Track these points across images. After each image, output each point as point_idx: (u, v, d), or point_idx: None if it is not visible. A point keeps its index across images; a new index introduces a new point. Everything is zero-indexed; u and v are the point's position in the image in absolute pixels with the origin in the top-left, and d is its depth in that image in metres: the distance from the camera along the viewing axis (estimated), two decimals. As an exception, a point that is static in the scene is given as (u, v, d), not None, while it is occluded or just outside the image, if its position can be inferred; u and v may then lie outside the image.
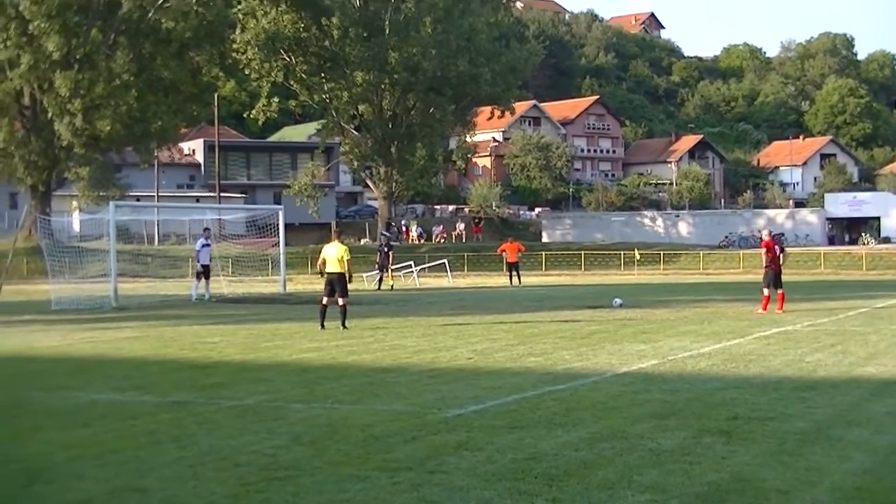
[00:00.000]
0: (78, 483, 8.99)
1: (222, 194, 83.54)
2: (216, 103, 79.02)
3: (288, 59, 74.77)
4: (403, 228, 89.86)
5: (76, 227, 65.20)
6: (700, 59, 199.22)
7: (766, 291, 27.55)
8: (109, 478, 9.15)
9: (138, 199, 74.88)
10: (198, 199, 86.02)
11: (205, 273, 37.17)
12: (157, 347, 20.69)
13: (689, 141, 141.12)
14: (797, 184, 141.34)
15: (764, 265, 28.12)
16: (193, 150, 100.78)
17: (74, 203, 72.47)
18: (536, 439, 10.53)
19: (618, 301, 30.77)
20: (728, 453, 9.77)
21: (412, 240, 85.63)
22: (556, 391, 13.84)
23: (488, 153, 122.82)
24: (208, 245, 37.59)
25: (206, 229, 39.64)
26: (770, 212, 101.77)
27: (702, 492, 8.37)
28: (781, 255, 28.52)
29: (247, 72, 73.56)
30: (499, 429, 11.15)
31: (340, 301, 23.63)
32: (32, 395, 14.49)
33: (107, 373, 16.87)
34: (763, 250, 28.33)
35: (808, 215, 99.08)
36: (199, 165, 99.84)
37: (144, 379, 15.97)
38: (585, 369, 16.10)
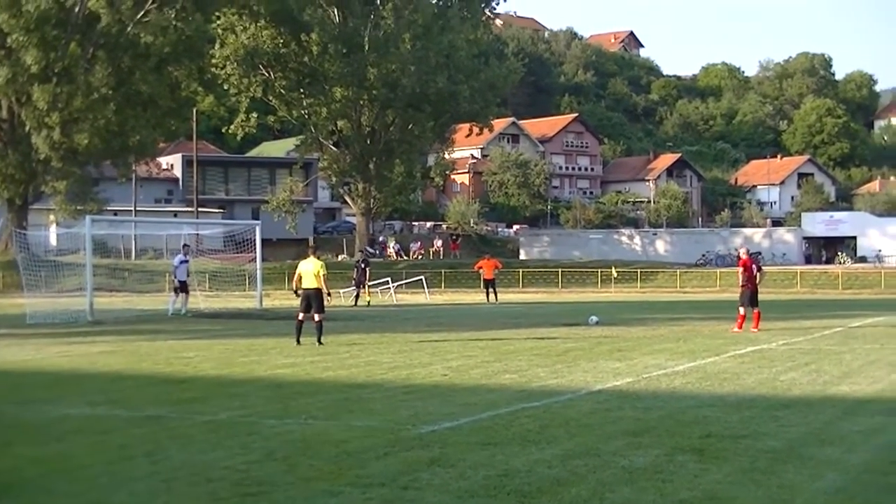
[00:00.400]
0: (47, 499, 8.94)
1: (200, 209, 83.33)
2: (195, 118, 78.87)
3: (267, 75, 74.84)
4: (382, 244, 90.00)
5: (53, 240, 64.93)
6: (679, 77, 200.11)
7: (741, 310, 27.57)
8: (80, 493, 9.11)
9: (116, 214, 74.69)
10: (175, 214, 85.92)
11: (182, 288, 37.13)
12: (132, 362, 20.60)
13: (667, 159, 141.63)
14: (774, 203, 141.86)
15: (741, 284, 28.15)
16: (172, 165, 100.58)
17: (51, 217, 72.14)
18: (509, 456, 10.52)
19: (594, 319, 30.79)
20: (700, 471, 9.77)
21: (389, 256, 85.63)
22: (530, 408, 13.83)
23: (467, 170, 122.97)
24: (186, 262, 37.55)
25: (185, 245, 39.58)
26: (747, 230, 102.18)
27: (674, 509, 8.38)
28: (758, 274, 28.59)
29: (226, 87, 73.61)
30: (472, 445, 11.14)
31: (317, 317, 23.60)
32: (4, 409, 14.40)
33: (80, 387, 16.79)
34: (740, 269, 28.37)
35: (785, 234, 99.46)
36: (177, 180, 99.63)
37: (118, 393, 15.90)
38: (560, 387, 16.10)
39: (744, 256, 28.90)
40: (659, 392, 15.45)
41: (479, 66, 79.34)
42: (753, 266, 28.51)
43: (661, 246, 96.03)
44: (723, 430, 12.04)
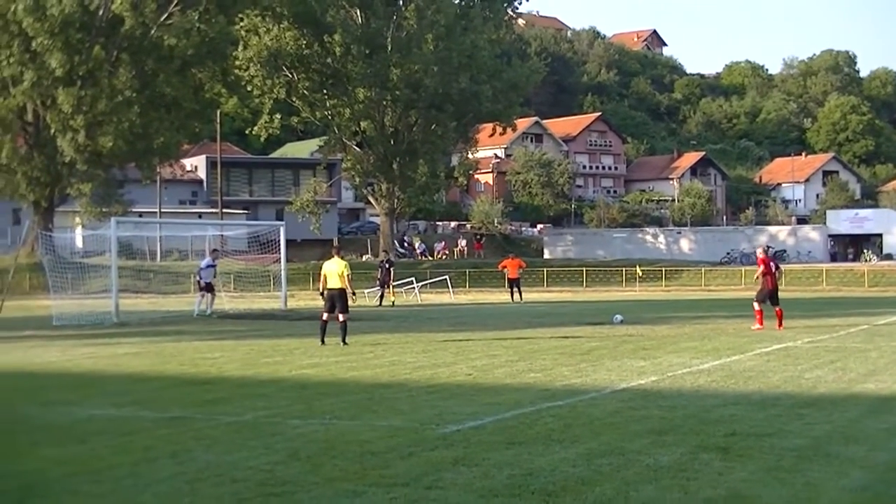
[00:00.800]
0: (72, 499, 8.96)
1: (224, 210, 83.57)
2: (218, 120, 79.15)
3: (290, 76, 74.97)
4: (410, 245, 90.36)
5: (79, 243, 65.28)
6: (702, 76, 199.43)
7: (756, 306, 27.60)
8: (105, 494, 9.13)
9: (141, 216, 74.93)
10: (200, 216, 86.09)
11: (208, 289, 37.23)
12: (157, 363, 20.66)
13: (690, 158, 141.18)
14: (799, 201, 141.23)
15: (760, 282, 28.10)
16: (196, 167, 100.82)
17: (77, 219, 72.46)
18: (534, 455, 10.49)
19: (618, 318, 30.74)
20: (725, 470, 9.73)
21: (421, 255, 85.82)
22: (554, 407, 13.80)
23: (490, 170, 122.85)
24: (214, 266, 37.62)
25: (215, 250, 39.56)
26: (772, 228, 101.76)
27: (698, 508, 8.34)
28: (777, 272, 28.51)
29: (249, 88, 73.67)
30: (496, 445, 11.12)
31: (341, 317, 23.63)
32: (30, 410, 14.46)
33: (105, 388, 16.85)
34: (760, 268, 28.30)
35: (811, 232, 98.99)
36: (201, 182, 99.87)
37: (143, 394, 15.94)
38: (584, 385, 16.07)
39: (761, 255, 28.95)
40: (683, 390, 15.40)
41: (502, 65, 79.25)
42: (772, 264, 28.53)
43: (685, 244, 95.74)
44: (747, 428, 11.98)
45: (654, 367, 18.49)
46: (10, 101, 62.04)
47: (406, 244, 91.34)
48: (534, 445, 11.05)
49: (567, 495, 8.80)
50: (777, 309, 27.61)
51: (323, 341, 23.54)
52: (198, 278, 37.85)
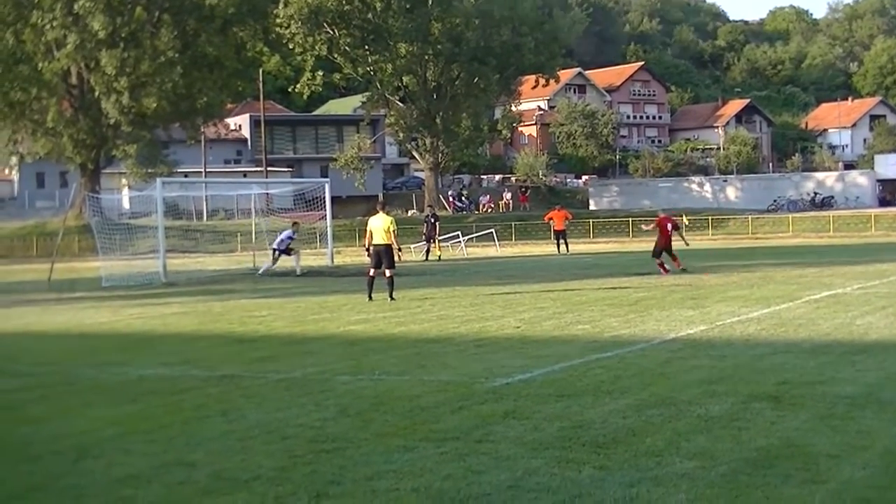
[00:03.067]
0: (125, 458, 9.01)
1: (269, 169, 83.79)
2: (261, 78, 79.21)
3: (331, 33, 74.84)
4: (467, 197, 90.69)
5: (125, 204, 65.74)
6: (746, 22, 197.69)
7: (656, 260, 30.30)
8: (157, 453, 9.17)
9: (186, 176, 75.20)
10: (245, 174, 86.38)
11: (287, 253, 36.56)
12: (205, 322, 20.77)
13: (735, 105, 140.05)
14: (846, 146, 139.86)
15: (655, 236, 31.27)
16: (240, 126, 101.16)
17: (123, 180, 73.04)
18: (583, 407, 10.45)
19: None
20: (777, 418, 9.65)
21: (485, 207, 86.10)
22: (603, 359, 13.74)
23: (534, 122, 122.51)
24: (292, 238, 36.94)
25: (296, 223, 39.14)
26: (819, 175, 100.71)
27: (751, 457, 8.27)
28: (674, 231, 31.03)
29: (290, 46, 73.64)
30: (546, 397, 11.09)
31: (388, 272, 23.64)
32: (82, 371, 14.55)
33: (155, 348, 16.96)
34: (653, 227, 31.63)
35: (858, 177, 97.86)
36: (245, 141, 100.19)
37: (192, 354, 16.03)
38: (633, 336, 16.00)
39: (661, 215, 31.88)
40: (733, 340, 15.30)
41: (543, 17, 78.85)
42: (669, 224, 30.89)
43: (731, 193, 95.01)
44: (798, 376, 11.88)
45: (703, 316, 18.39)
46: (55, 65, 62.41)
47: (464, 197, 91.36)
48: (583, 397, 11.00)
49: (618, 446, 8.75)
50: (673, 256, 30.39)
51: (370, 297, 23.56)
52: (274, 246, 37.44)
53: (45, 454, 9.30)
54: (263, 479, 8.15)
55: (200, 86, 65.29)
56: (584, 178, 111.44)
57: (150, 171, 65.01)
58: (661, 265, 29.94)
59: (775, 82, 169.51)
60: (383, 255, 23.77)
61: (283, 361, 14.68)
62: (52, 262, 38.83)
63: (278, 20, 70.37)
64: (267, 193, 50.27)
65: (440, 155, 79.67)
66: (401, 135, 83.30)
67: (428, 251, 45.73)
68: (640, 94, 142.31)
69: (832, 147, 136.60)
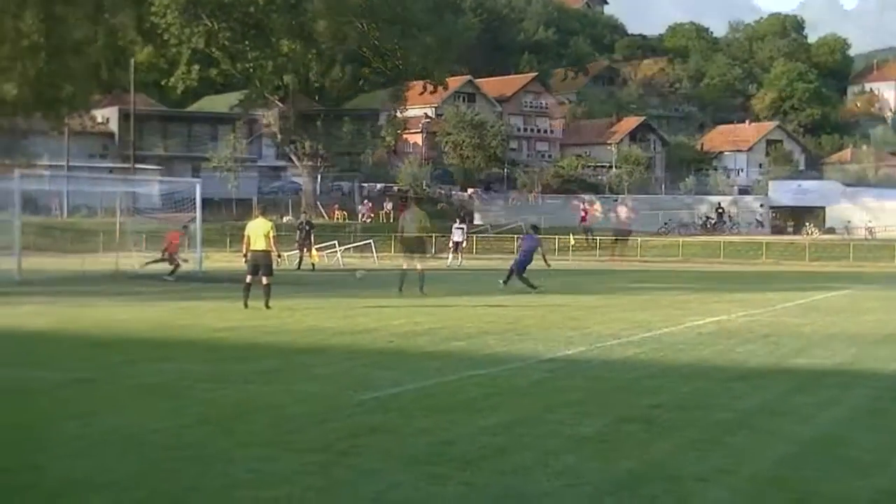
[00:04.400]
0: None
1: (137, 166, 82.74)
2: (132, 69, 78.30)
3: (210, 25, 74.27)
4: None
5: (-21, 196, 64.39)
6: (644, 37, 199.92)
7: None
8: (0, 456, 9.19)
9: (47, 169, 74.12)
10: (111, 170, 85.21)
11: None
12: (61, 324, 20.59)
13: (630, 122, 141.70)
14: (741, 170, 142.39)
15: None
16: (107, 119, 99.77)
17: (-23, 171, 71.62)
18: (453, 423, 10.68)
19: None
20: (648, 441, 9.98)
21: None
22: (476, 376, 13.98)
23: (420, 130, 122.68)
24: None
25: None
26: (713, 198, 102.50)
27: (618, 478, 8.55)
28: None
29: (166, 37, 72.96)
30: (415, 412, 11.30)
31: (264, 280, 23.69)
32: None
33: (4, 349, 16.82)
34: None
35: (752, 202, 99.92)
36: (112, 135, 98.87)
37: (45, 356, 15.91)
38: (509, 355, 16.26)
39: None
40: (611, 361, 15.66)
41: (434, 20, 79.14)
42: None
43: (622, 213, 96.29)
44: (673, 400, 12.26)
45: (583, 337, 18.74)
46: None
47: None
48: (454, 413, 11.24)
49: (486, 463, 8.99)
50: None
51: (246, 305, 23.53)
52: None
53: None
54: (118, 484, 8.22)
55: (66, 74, 64.39)
56: (470, 190, 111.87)
57: (7, 162, 63.93)
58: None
59: (672, 101, 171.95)
60: (261, 262, 23.82)
61: (142, 366, 14.69)
62: None
63: (154, 9, 69.79)
64: (133, 192, 49.84)
65: (320, 160, 79.61)
66: (279, 137, 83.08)
67: (300, 259, 45.72)
68: (531, 106, 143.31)
69: (727, 170, 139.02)
